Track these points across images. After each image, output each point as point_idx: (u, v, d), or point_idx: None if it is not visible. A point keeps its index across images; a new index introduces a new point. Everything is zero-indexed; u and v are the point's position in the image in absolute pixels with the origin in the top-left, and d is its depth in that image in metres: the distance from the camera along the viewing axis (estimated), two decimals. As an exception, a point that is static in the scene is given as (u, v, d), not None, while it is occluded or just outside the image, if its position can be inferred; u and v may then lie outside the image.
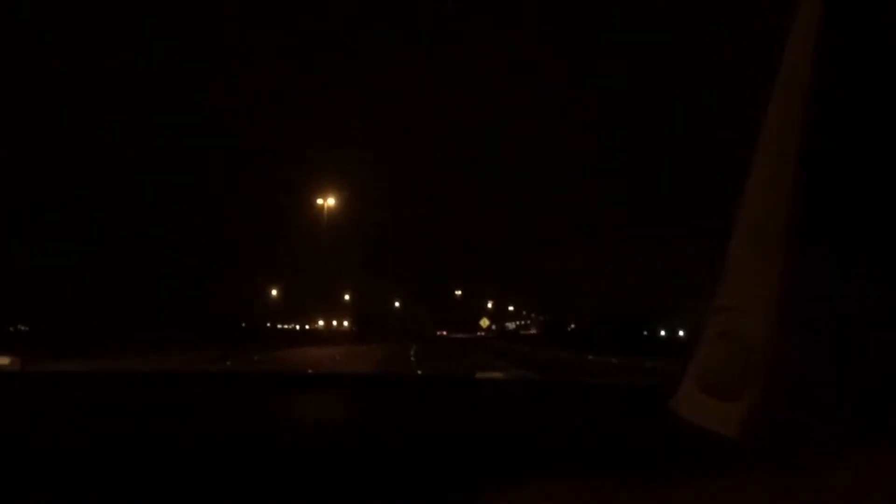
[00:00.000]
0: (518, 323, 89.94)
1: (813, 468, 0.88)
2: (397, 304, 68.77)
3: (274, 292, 45.56)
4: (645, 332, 38.06)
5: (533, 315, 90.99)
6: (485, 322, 54.47)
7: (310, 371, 3.31)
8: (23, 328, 22.29)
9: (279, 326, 44.67)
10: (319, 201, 33.18)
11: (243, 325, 35.37)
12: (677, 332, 39.44)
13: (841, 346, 0.93)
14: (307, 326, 52.42)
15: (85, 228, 28.33)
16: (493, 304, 79.24)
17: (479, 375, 2.62)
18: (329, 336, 39.43)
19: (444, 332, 61.25)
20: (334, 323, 58.49)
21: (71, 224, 27.60)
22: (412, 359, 16.21)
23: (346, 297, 59.79)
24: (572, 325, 58.31)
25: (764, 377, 0.99)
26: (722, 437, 1.04)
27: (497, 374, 2.89)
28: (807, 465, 0.89)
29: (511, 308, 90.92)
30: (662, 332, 39.64)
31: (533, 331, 70.72)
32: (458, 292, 77.34)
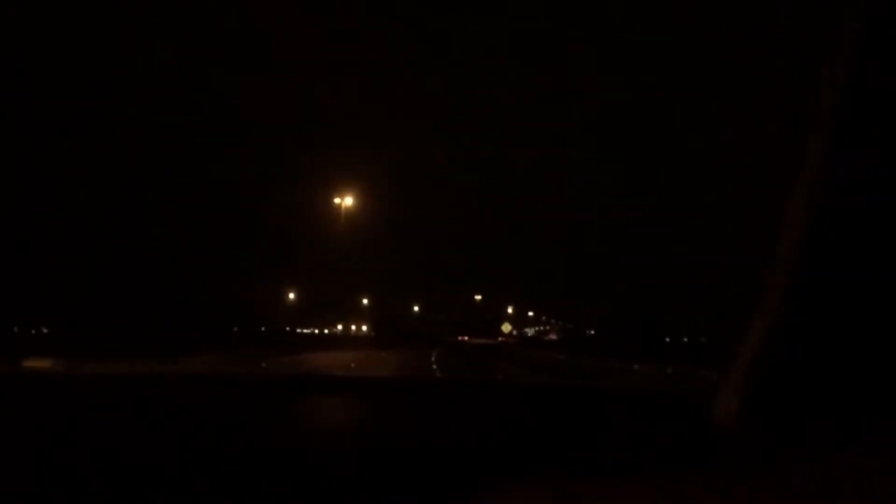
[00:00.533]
0: (538, 328, 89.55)
1: (824, 467, 0.92)
2: (416, 308, 68.92)
3: (291, 295, 45.61)
4: (667, 339, 37.66)
5: (553, 321, 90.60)
6: (507, 327, 54.20)
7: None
8: (45, 330, 22.64)
9: (298, 330, 44.85)
10: (337, 200, 31.92)
11: (262, 329, 35.57)
12: (699, 338, 39.00)
13: (845, 350, 0.97)
14: (325, 331, 52.64)
15: (103, 231, 28.70)
16: (513, 309, 78.98)
17: (505, 381, 2.64)
18: (345, 341, 39.30)
19: (466, 338, 61.02)
20: (353, 327, 58.68)
21: (89, 227, 27.99)
22: (434, 366, 15.88)
23: (365, 301, 60.01)
24: (591, 331, 57.98)
25: (783, 382, 1.03)
26: (757, 441, 1.07)
27: (529, 383, 2.89)
28: (819, 465, 0.92)
29: (531, 313, 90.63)
30: (685, 339, 39.19)
31: (553, 336, 70.39)
32: (478, 297, 77.19)
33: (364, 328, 57.14)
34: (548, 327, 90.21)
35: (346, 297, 55.22)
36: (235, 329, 31.59)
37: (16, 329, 19.87)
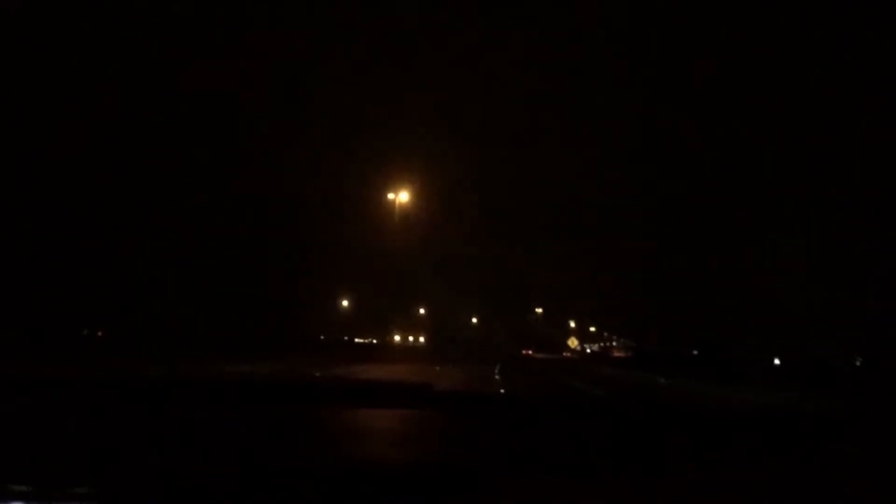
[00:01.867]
0: (602, 344, 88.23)
1: None
2: (475, 320, 68.52)
3: (345, 303, 44.74)
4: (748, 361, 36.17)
5: (615, 337, 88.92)
6: (573, 342, 53.08)
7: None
8: (99, 333, 23.30)
9: (357, 340, 44.90)
10: (391, 196, 29.46)
11: (322, 337, 35.79)
12: (770, 359, 37.57)
13: None
14: (385, 340, 52.71)
15: (158, 236, 29.41)
16: (575, 324, 77.88)
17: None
18: (400, 352, 38.61)
19: (530, 352, 60.19)
20: (410, 338, 58.72)
21: (144, 232, 28.69)
22: (502, 391, 14.67)
23: (422, 311, 59.91)
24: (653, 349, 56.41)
25: None
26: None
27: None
28: None
29: (592, 329, 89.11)
30: (777, 361, 37.74)
31: (620, 353, 68.97)
32: (539, 310, 76.32)
33: (422, 339, 57.12)
34: (612, 343, 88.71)
35: (403, 305, 55.17)
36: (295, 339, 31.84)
37: (85, 332, 20.47)
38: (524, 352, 59.58)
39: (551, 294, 76.52)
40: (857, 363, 36.44)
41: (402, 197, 29.33)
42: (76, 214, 24.84)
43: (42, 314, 19.05)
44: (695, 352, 46.39)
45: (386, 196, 29.57)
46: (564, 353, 57.87)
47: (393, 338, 56.77)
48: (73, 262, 23.22)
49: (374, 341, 49.92)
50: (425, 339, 56.61)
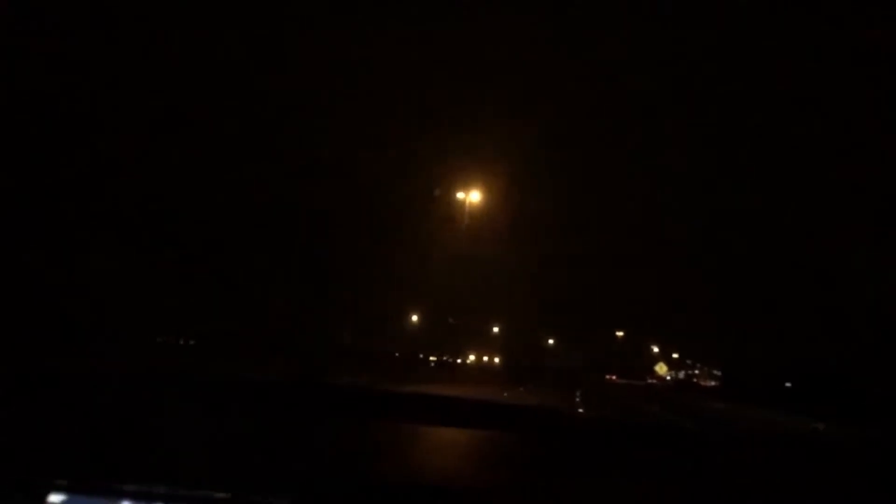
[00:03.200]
0: (687, 372, 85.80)
1: None
2: (551, 341, 67.66)
3: (414, 318, 44.33)
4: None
5: (699, 365, 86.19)
6: (662, 368, 51.39)
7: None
8: (191, 342, 24.21)
9: (431, 358, 44.77)
10: (460, 195, 27.52)
11: (397, 354, 36.02)
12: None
13: None
14: (459, 359, 52.50)
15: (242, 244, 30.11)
16: (658, 349, 75.89)
17: None
18: (472, 373, 37.71)
19: (614, 377, 58.77)
20: (485, 358, 58.35)
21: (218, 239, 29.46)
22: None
23: (496, 329, 59.41)
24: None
25: None
26: None
27: None
28: None
29: (675, 355, 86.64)
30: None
31: (708, 382, 66.68)
32: (620, 333, 74.60)
33: (496, 360, 56.68)
34: (696, 372, 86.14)
35: (477, 323, 54.67)
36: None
37: (181, 342, 21.24)
38: (607, 377, 58.25)
39: (634, 318, 74.84)
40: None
41: (472, 197, 27.34)
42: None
43: (142, 325, 20.01)
44: (787, 384, 44.08)
45: (455, 196, 27.63)
46: (649, 380, 56.29)
47: (467, 357, 56.53)
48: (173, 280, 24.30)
49: (448, 359, 49.69)
50: (500, 359, 56.08)
